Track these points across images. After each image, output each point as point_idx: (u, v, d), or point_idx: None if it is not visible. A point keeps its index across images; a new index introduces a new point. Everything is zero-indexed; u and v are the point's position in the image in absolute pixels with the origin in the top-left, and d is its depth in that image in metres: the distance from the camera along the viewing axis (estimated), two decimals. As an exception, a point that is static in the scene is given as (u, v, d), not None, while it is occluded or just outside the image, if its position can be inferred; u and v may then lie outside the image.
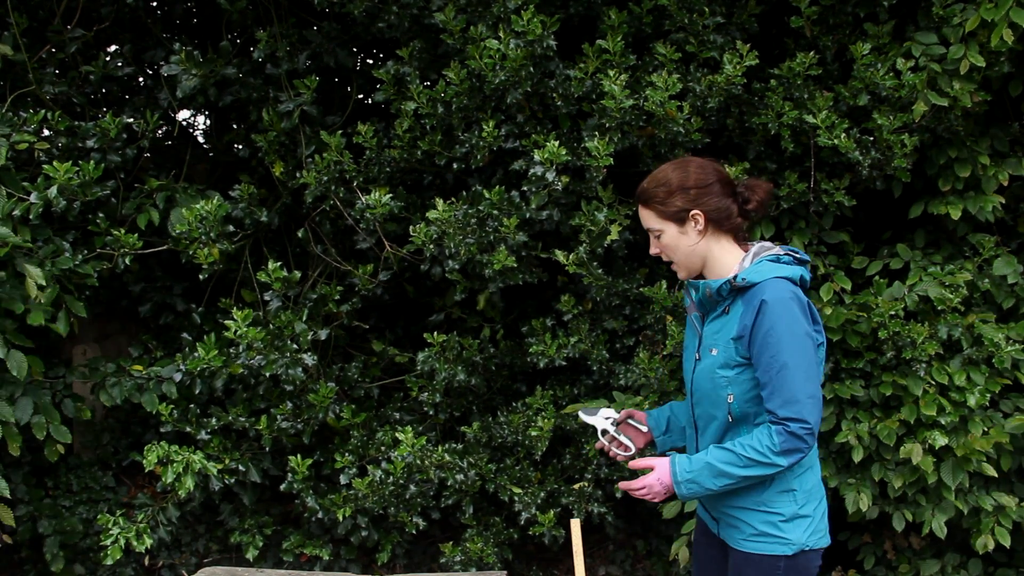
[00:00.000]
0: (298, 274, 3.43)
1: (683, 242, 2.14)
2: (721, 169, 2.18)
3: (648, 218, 2.16)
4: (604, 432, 2.36)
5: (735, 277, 2.08)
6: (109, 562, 3.53)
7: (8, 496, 3.42)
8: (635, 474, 2.24)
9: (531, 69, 3.07)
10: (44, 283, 3.26)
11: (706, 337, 2.17)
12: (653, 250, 2.20)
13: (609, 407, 2.58)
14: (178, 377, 3.63)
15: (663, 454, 2.25)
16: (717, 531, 2.27)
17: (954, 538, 3.48)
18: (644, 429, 2.40)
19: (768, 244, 2.18)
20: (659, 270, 3.65)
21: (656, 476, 2.16)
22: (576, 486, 3.57)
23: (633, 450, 2.33)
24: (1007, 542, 3.26)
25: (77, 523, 3.74)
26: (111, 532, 3.58)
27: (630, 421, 2.40)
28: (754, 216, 2.18)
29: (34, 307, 3.30)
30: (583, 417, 2.40)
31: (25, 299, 3.29)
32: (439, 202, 3.20)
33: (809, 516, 2.14)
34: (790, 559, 2.12)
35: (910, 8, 3.28)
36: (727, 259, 2.15)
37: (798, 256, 2.17)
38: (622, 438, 2.34)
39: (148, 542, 3.60)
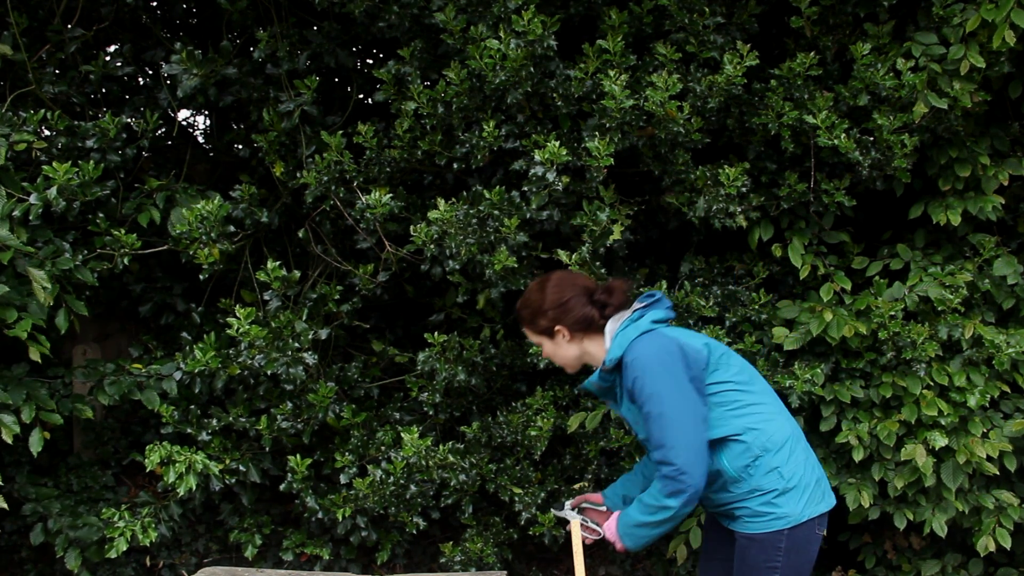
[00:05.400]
0: (297, 273, 3.42)
1: (558, 350, 2.46)
2: (578, 282, 2.43)
3: (528, 334, 2.50)
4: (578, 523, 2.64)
5: (604, 363, 2.34)
6: (113, 555, 3.52)
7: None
8: None
9: (531, 69, 3.07)
10: (49, 287, 3.26)
11: (627, 421, 2.42)
12: (544, 353, 2.51)
13: (568, 499, 2.83)
14: (178, 376, 3.63)
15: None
16: (721, 521, 2.42)
17: (955, 538, 3.48)
18: (603, 508, 2.67)
19: (619, 308, 2.37)
20: (659, 270, 3.65)
21: (611, 525, 2.44)
22: (576, 486, 3.57)
23: (602, 533, 2.56)
24: (1007, 543, 3.26)
25: (97, 521, 3.72)
26: (117, 525, 3.58)
27: (586, 505, 2.68)
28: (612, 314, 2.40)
29: (31, 313, 3.29)
30: (556, 514, 2.70)
31: (28, 297, 3.29)
32: (440, 202, 3.20)
33: (799, 486, 2.25)
34: (791, 531, 2.22)
35: (910, 8, 3.27)
36: (600, 351, 2.41)
37: (654, 299, 2.36)
38: (590, 524, 2.62)
39: (153, 535, 3.60)
